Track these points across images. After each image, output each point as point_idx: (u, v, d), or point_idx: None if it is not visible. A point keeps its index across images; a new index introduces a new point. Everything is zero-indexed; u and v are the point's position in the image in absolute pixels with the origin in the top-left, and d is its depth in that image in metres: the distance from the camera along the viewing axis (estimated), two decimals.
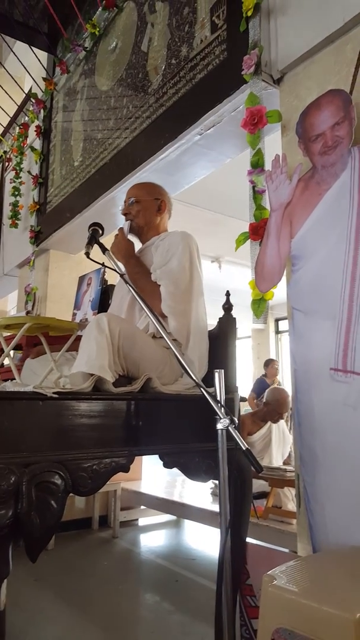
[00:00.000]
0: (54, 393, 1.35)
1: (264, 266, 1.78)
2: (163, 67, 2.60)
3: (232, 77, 2.01)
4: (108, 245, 1.75)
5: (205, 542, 3.48)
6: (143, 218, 2.04)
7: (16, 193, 4.56)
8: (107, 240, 2.11)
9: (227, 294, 1.92)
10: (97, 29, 3.36)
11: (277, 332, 9.17)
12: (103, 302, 2.35)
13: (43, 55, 4.18)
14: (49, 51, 4.15)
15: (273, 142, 1.91)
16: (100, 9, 3.30)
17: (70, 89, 3.82)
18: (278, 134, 1.91)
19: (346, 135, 1.55)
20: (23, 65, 4.11)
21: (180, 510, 3.40)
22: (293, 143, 1.76)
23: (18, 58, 4.05)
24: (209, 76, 2.23)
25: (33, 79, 4.21)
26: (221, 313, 1.93)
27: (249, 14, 1.95)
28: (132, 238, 2.05)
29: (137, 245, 2.07)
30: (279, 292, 1.76)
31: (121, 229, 2.04)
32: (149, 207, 2.05)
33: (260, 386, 6.16)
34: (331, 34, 1.72)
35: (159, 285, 1.81)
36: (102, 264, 1.72)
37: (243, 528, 1.70)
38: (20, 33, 3.91)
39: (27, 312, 3.89)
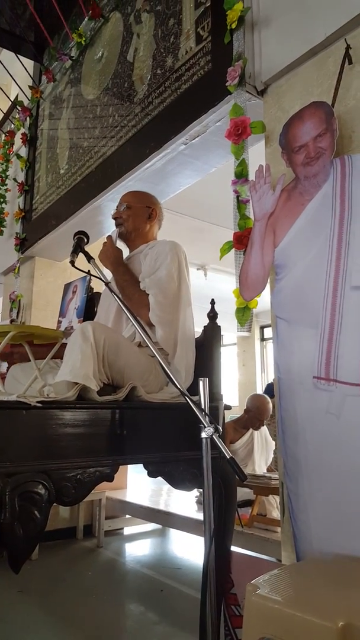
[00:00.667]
0: (38, 402, 1.34)
1: (247, 275, 1.79)
2: (149, 77, 2.62)
3: (216, 88, 2.04)
4: (94, 253, 1.75)
5: (190, 551, 3.46)
6: (132, 223, 2.05)
7: (1, 200, 4.54)
8: (94, 246, 2.11)
9: (212, 302, 1.94)
10: (84, 39, 3.38)
11: (263, 339, 9.22)
12: (88, 310, 2.34)
13: (29, 63, 4.19)
14: (35, 59, 4.16)
15: (257, 153, 1.94)
16: (86, 19, 3.32)
17: (57, 97, 3.82)
18: (262, 145, 1.93)
19: (328, 146, 1.58)
20: (9, 73, 4.10)
21: (166, 519, 3.38)
22: (276, 154, 1.78)
23: (4, 66, 4.05)
24: (194, 87, 2.25)
25: (19, 87, 4.21)
26: (207, 321, 1.94)
27: (233, 26, 1.98)
28: (120, 245, 2.06)
29: (125, 252, 2.08)
30: (264, 300, 1.78)
31: (109, 237, 2.04)
32: (139, 214, 2.06)
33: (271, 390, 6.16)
34: (313, 47, 1.75)
35: (147, 295, 1.81)
36: (88, 272, 1.72)
37: (227, 536, 1.70)
38: (7, 41, 3.91)
39: (12, 321, 3.87)
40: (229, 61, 1.97)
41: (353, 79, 1.62)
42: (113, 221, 3.24)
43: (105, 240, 2.03)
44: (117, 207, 2.11)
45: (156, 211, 2.10)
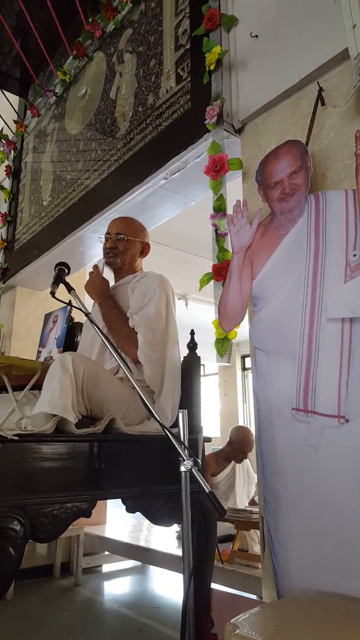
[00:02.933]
0: (15, 435, 1.32)
1: (226, 306, 1.81)
2: (130, 114, 2.69)
3: (195, 125, 2.10)
4: (75, 283, 1.75)
5: (170, 588, 3.36)
6: (128, 257, 2.04)
7: None
8: (75, 277, 2.12)
9: (192, 333, 1.95)
10: (68, 76, 3.47)
11: (244, 369, 9.23)
12: (69, 340, 2.33)
13: (15, 98, 4.27)
14: (20, 95, 4.25)
15: (234, 188, 1.99)
16: (71, 58, 3.42)
17: (41, 131, 3.89)
18: (239, 180, 1.99)
19: (303, 183, 1.63)
20: None
21: (145, 556, 3.29)
22: (253, 189, 1.83)
23: None
24: (174, 124, 2.32)
25: (4, 120, 4.28)
26: (187, 351, 1.94)
27: (212, 67, 2.06)
28: (106, 273, 2.04)
29: (111, 280, 2.07)
30: (245, 329, 1.79)
31: (96, 267, 2.02)
32: (134, 248, 2.06)
33: None
34: (288, 89, 1.83)
35: (135, 332, 1.80)
36: (69, 303, 1.72)
37: (207, 573, 1.66)
38: None
39: None
40: (208, 100, 2.04)
41: (326, 119, 1.69)
42: (94, 252, 3.30)
43: (92, 270, 2.02)
44: (109, 232, 2.06)
45: (149, 246, 2.12)
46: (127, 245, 2.03)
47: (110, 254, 2.04)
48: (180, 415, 1.39)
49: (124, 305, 1.93)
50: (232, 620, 1.11)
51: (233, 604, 1.62)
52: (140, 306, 1.85)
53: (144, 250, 2.10)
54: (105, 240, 2.07)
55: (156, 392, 1.78)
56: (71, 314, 2.38)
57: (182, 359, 1.94)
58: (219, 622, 1.59)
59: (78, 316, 2.66)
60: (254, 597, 1.93)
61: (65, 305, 2.00)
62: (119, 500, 1.60)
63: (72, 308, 1.89)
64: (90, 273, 2.00)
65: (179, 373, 1.85)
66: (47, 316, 2.56)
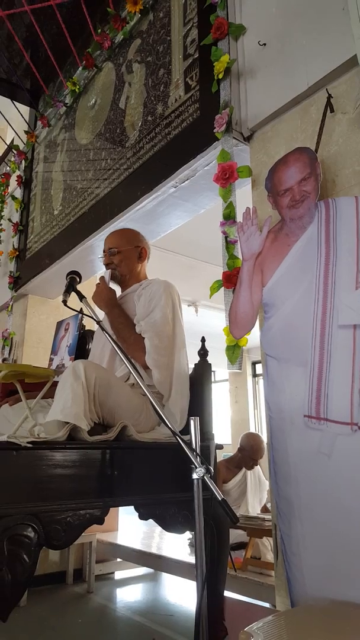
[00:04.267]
0: (28, 442, 1.33)
1: (237, 313, 1.82)
2: (140, 124, 2.72)
3: (204, 134, 2.12)
4: (86, 291, 1.77)
5: (183, 596, 3.35)
6: (126, 267, 2.07)
7: None
8: (86, 285, 2.13)
9: (203, 340, 1.95)
10: (77, 87, 3.52)
11: (255, 375, 9.19)
12: (81, 348, 2.35)
13: (25, 109, 4.33)
14: (30, 106, 4.31)
15: (244, 195, 2.00)
16: (80, 68, 3.46)
17: (51, 141, 3.94)
18: (249, 188, 2.00)
19: (313, 190, 1.63)
20: (5, 119, 4.24)
21: (158, 563, 3.29)
22: (263, 197, 1.84)
23: (1, 112, 4.18)
24: (183, 133, 2.34)
25: (15, 131, 4.34)
26: (198, 358, 1.95)
27: (220, 76, 2.07)
28: (113, 285, 2.08)
29: (118, 291, 2.10)
30: (256, 336, 1.80)
31: (102, 278, 2.05)
32: (130, 256, 2.08)
33: None
34: (297, 97, 1.84)
35: (143, 338, 1.82)
36: (80, 311, 1.74)
37: (220, 581, 1.66)
38: (3, 89, 4.06)
39: (4, 360, 3.85)
40: (217, 109, 2.06)
41: (335, 126, 1.70)
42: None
43: (98, 282, 2.05)
44: (104, 251, 2.12)
45: (145, 249, 2.12)
46: (120, 257, 2.07)
47: (108, 268, 2.08)
48: (192, 422, 1.39)
49: (131, 313, 1.94)
50: (246, 629, 1.11)
51: (246, 612, 1.62)
52: (146, 312, 1.87)
53: (141, 254, 2.11)
54: (103, 257, 2.12)
55: (165, 397, 1.79)
56: (82, 322, 2.40)
57: (192, 365, 1.95)
58: (232, 630, 1.59)
59: (89, 324, 2.69)
60: (267, 605, 1.92)
61: (76, 313, 2.02)
62: (130, 507, 1.60)
63: (84, 316, 1.91)
64: (97, 284, 2.02)
65: (187, 377, 1.86)
66: (59, 324, 2.58)
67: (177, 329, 1.88)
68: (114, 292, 2.01)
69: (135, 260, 2.09)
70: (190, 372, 1.92)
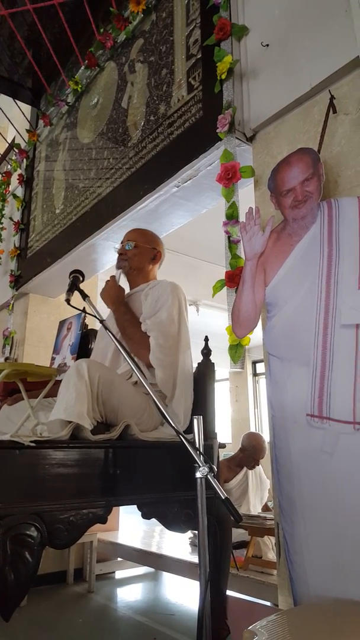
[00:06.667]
0: (31, 442, 1.34)
1: (240, 312, 1.82)
2: (142, 123, 2.72)
3: (207, 134, 2.12)
4: (87, 290, 1.78)
5: (184, 595, 3.35)
6: (137, 262, 2.09)
7: None
8: (88, 283, 2.14)
9: (206, 339, 1.96)
10: (80, 86, 3.52)
11: (255, 374, 9.20)
12: (83, 347, 2.35)
13: (27, 108, 4.33)
14: (32, 105, 4.31)
15: (247, 195, 2.00)
16: (82, 68, 3.47)
17: (53, 140, 3.94)
18: (251, 188, 2.00)
19: (315, 190, 1.64)
20: (7, 117, 4.24)
21: (159, 562, 3.29)
22: (265, 197, 1.84)
23: (2, 110, 4.18)
24: (186, 133, 2.34)
25: (17, 130, 4.34)
26: (200, 357, 1.95)
27: (223, 77, 2.08)
28: (122, 283, 2.09)
29: (126, 289, 2.11)
30: (256, 335, 1.80)
31: (113, 276, 2.09)
32: (145, 254, 2.11)
33: None
34: (299, 97, 1.84)
35: (148, 336, 1.83)
36: (83, 310, 1.74)
37: (223, 580, 1.66)
38: (5, 87, 4.06)
39: (6, 359, 3.86)
40: (219, 109, 2.06)
41: (337, 127, 1.70)
42: (106, 259, 3.33)
43: (108, 279, 2.06)
44: (122, 242, 2.16)
45: (160, 254, 2.16)
46: (135, 251, 2.10)
47: (120, 259, 2.12)
48: (196, 421, 1.40)
49: (137, 311, 1.96)
50: (249, 628, 1.11)
51: (248, 610, 1.62)
52: (152, 312, 1.88)
53: (156, 257, 2.14)
54: (119, 247, 2.16)
55: (168, 397, 1.79)
56: (85, 321, 2.40)
57: (195, 365, 1.95)
58: (234, 629, 1.59)
59: (92, 323, 2.69)
60: (268, 604, 1.92)
61: (79, 312, 2.02)
62: (131, 506, 1.60)
63: (86, 315, 1.92)
64: (107, 281, 2.04)
65: (191, 378, 1.87)
66: (62, 323, 2.59)
67: (183, 329, 1.89)
68: (122, 290, 2.04)
69: (148, 260, 2.12)
70: (193, 371, 1.93)
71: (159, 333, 1.81)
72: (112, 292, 2.00)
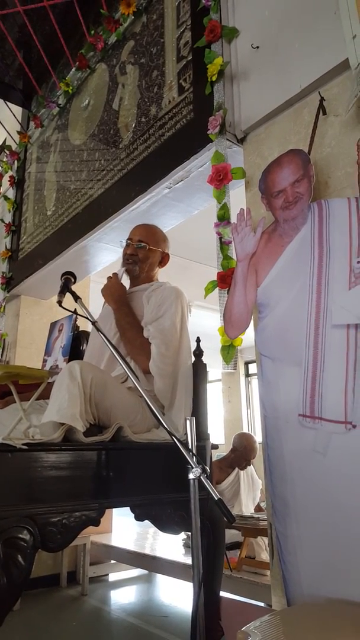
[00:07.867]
0: (24, 444, 1.33)
1: (232, 313, 1.83)
2: (133, 125, 2.72)
3: (198, 135, 2.13)
4: (79, 291, 1.77)
5: (178, 597, 3.35)
6: (147, 265, 2.05)
7: None
8: (80, 285, 2.13)
9: (198, 340, 1.96)
10: (71, 88, 3.51)
11: (247, 375, 9.22)
12: (75, 349, 2.34)
13: (17, 109, 4.32)
14: (23, 106, 4.29)
15: (238, 196, 2.01)
16: (73, 69, 3.46)
17: (44, 142, 3.93)
18: (242, 189, 2.01)
19: (306, 191, 1.65)
20: None
21: (152, 564, 3.28)
22: (256, 198, 1.85)
23: None
24: (177, 134, 2.35)
25: (7, 131, 4.32)
26: (192, 358, 1.95)
27: (214, 78, 2.08)
28: (124, 281, 2.05)
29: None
30: (248, 336, 1.81)
31: (115, 274, 2.03)
32: (154, 257, 2.07)
33: None
34: (289, 99, 1.85)
35: (149, 343, 1.81)
36: (74, 311, 1.74)
37: (216, 581, 1.66)
38: None
39: None
40: (210, 111, 2.07)
41: (327, 128, 1.71)
42: (98, 261, 3.32)
43: (110, 275, 2.01)
44: (131, 237, 2.06)
45: (168, 257, 2.13)
46: (147, 253, 2.04)
47: (130, 261, 2.04)
48: (188, 422, 1.39)
49: (138, 312, 1.93)
50: (243, 629, 1.11)
51: (242, 611, 1.62)
52: (155, 317, 1.86)
53: (163, 260, 2.12)
54: (127, 245, 2.07)
55: (167, 405, 1.77)
56: (77, 323, 2.39)
57: None
58: (228, 630, 1.59)
59: (84, 325, 2.68)
60: (262, 604, 1.92)
61: (71, 314, 2.01)
62: (124, 509, 1.60)
63: (77, 317, 1.90)
64: (109, 278, 2.00)
65: (192, 386, 1.85)
66: (53, 325, 2.57)
67: (184, 338, 1.88)
68: (125, 289, 2.00)
69: (157, 263, 2.10)
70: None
71: (162, 341, 1.79)
72: (114, 290, 1.96)
